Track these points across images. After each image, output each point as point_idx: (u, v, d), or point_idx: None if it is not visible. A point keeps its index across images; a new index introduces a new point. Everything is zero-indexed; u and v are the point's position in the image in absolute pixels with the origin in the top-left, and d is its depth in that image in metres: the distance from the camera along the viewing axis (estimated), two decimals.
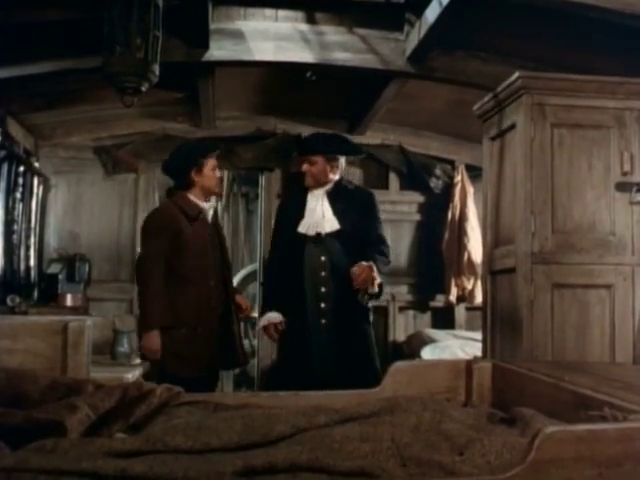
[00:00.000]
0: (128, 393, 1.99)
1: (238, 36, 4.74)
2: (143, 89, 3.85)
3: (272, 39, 4.77)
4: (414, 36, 4.61)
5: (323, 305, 3.78)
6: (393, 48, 4.86)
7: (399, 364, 2.18)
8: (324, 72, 5.19)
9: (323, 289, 3.79)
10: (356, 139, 6.65)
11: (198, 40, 4.58)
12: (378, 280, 3.67)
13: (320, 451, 1.57)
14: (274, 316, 3.84)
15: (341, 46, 4.83)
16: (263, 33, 4.77)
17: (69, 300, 6.05)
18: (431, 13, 4.16)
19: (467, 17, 4.03)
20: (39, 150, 6.47)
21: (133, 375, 3.59)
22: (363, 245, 3.81)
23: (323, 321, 3.76)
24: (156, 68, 3.82)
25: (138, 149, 6.66)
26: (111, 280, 6.74)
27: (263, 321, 3.89)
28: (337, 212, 3.86)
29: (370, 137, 6.81)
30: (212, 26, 4.58)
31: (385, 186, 7.00)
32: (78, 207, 6.71)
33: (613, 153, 3.64)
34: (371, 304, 3.85)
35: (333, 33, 4.83)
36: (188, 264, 3.80)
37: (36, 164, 6.32)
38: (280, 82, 5.72)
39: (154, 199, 6.73)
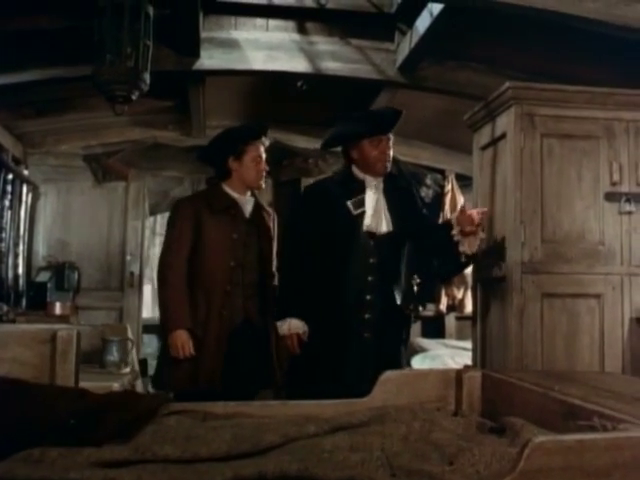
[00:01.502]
0: (115, 401, 1.98)
1: (229, 45, 4.75)
2: (133, 98, 3.84)
3: (263, 48, 4.78)
4: (405, 46, 4.63)
5: (367, 316, 3.26)
6: (384, 58, 4.88)
7: (389, 373, 2.18)
8: (315, 82, 5.20)
9: (369, 297, 3.27)
10: None
11: (189, 49, 4.58)
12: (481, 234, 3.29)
13: (310, 461, 1.57)
14: (297, 325, 3.30)
15: (332, 56, 4.84)
16: (254, 42, 4.78)
17: (58, 308, 6.02)
18: (422, 23, 4.18)
19: (458, 27, 4.05)
20: (28, 158, 6.46)
21: (122, 384, 3.57)
22: (418, 241, 3.41)
23: (366, 334, 3.25)
24: (146, 77, 3.82)
25: (128, 157, 6.66)
26: (101, 288, 6.73)
27: (283, 328, 3.32)
28: (391, 209, 3.39)
29: None
30: (203, 35, 4.59)
31: None
32: (68, 215, 6.70)
33: (602, 163, 3.65)
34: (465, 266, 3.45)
35: (324, 43, 4.85)
36: (202, 262, 3.39)
37: (25, 172, 6.31)
38: (271, 91, 5.72)
39: (144, 207, 6.73)
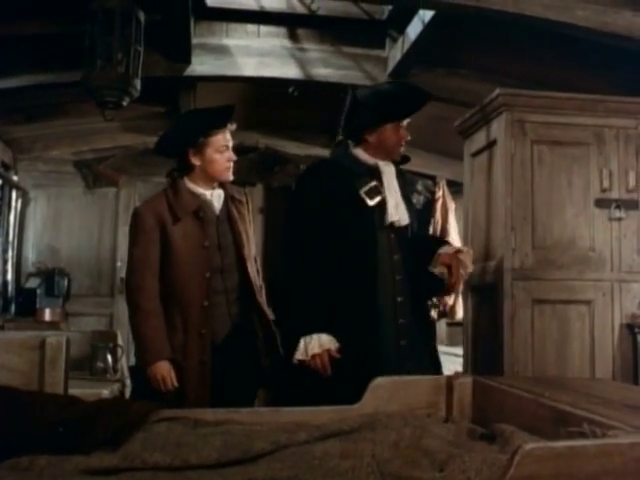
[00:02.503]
0: (105, 408, 1.97)
1: (220, 51, 4.75)
2: (124, 103, 3.84)
3: (254, 55, 4.79)
4: (396, 53, 4.64)
5: (402, 321, 2.80)
6: (375, 64, 4.89)
7: (380, 380, 2.17)
8: (306, 88, 5.21)
9: (399, 298, 2.81)
10: None
11: (180, 55, 4.59)
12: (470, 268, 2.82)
13: (300, 468, 1.56)
14: (328, 340, 2.70)
15: (323, 62, 4.86)
16: (245, 49, 4.79)
17: (47, 315, 6.00)
18: (413, 30, 4.20)
19: (448, 34, 4.07)
20: (18, 163, 6.44)
21: (112, 391, 3.56)
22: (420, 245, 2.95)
23: (403, 342, 2.78)
24: (137, 83, 3.82)
25: (119, 163, 6.65)
26: (91, 295, 6.71)
27: (313, 347, 2.69)
28: (405, 199, 2.96)
29: None
30: (194, 41, 4.59)
31: None
32: (58, 221, 6.68)
33: (592, 170, 3.66)
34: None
35: (315, 49, 4.86)
36: (173, 278, 2.95)
37: (14, 177, 6.28)
38: (262, 97, 5.72)
39: None
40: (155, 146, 3.13)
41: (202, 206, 3.00)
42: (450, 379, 2.19)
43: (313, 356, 2.68)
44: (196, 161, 2.98)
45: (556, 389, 1.93)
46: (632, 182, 3.66)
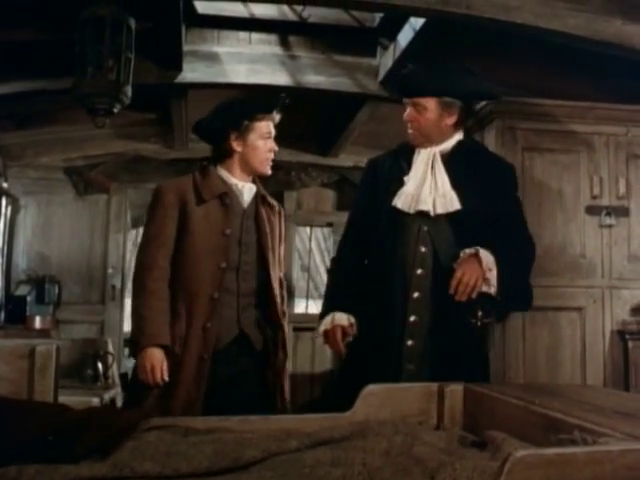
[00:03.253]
0: (95, 416, 1.95)
1: (211, 58, 4.75)
2: (115, 111, 3.83)
3: (246, 62, 4.78)
4: (387, 60, 4.65)
5: (413, 318, 2.58)
6: (366, 72, 4.90)
7: (371, 387, 2.17)
8: (297, 95, 5.21)
9: (416, 294, 2.60)
10: (329, 161, 6.68)
11: (171, 62, 4.58)
12: (492, 283, 2.45)
13: (291, 476, 1.56)
14: (341, 317, 2.67)
15: (314, 69, 4.86)
16: (237, 56, 4.79)
17: (38, 322, 5.96)
18: (404, 37, 4.21)
19: (439, 42, 4.08)
20: (8, 170, 6.41)
21: (102, 399, 3.54)
22: (487, 237, 2.54)
23: (410, 342, 2.57)
24: (128, 90, 3.81)
25: (110, 170, 6.64)
26: (82, 302, 6.69)
27: (325, 323, 2.69)
28: (457, 183, 2.63)
29: (343, 159, 6.83)
30: (185, 48, 4.59)
31: None
32: (48, 228, 6.66)
33: (583, 177, 3.68)
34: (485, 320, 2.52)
35: (306, 57, 4.86)
36: (185, 263, 2.72)
37: (4, 184, 6.26)
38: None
39: (126, 220, 6.70)
40: (194, 127, 2.93)
41: (229, 193, 2.79)
42: (441, 386, 2.18)
43: (325, 332, 2.68)
44: (237, 147, 2.80)
45: (547, 396, 1.93)
46: (622, 189, 3.69)
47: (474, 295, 2.43)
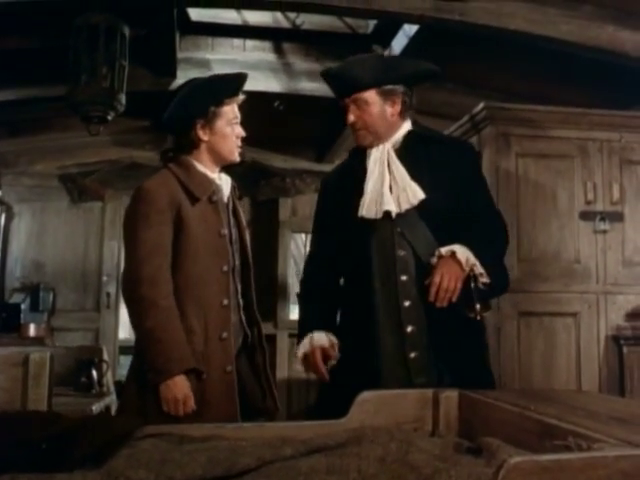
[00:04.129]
0: (89, 424, 1.95)
1: (206, 65, 4.76)
2: (109, 118, 3.84)
3: (240, 68, 4.76)
4: None
5: (410, 328, 2.39)
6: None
7: (366, 394, 2.16)
8: (292, 101, 5.22)
9: (407, 303, 2.40)
10: (324, 167, 6.69)
11: (165, 69, 4.59)
12: (481, 275, 2.29)
13: None
14: (320, 338, 2.45)
15: (308, 76, 4.87)
16: (231, 63, 4.79)
17: (32, 330, 5.95)
18: (397, 44, 4.23)
19: (433, 48, 4.08)
20: (2, 178, 6.41)
21: (97, 407, 3.53)
22: (459, 227, 2.38)
23: (412, 355, 2.39)
24: (122, 97, 3.81)
25: (105, 177, 6.64)
26: (77, 309, 6.68)
27: (304, 345, 2.48)
28: (417, 175, 2.43)
29: None
30: (180, 55, 4.60)
31: None
32: (42, 236, 6.65)
33: (577, 182, 3.69)
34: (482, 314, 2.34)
35: (300, 63, 4.88)
36: (188, 270, 2.48)
37: None
38: (248, 111, 5.72)
39: (121, 228, 6.68)
40: (164, 119, 2.62)
41: (215, 190, 2.58)
42: (436, 393, 2.18)
43: (304, 356, 2.47)
44: (204, 135, 2.55)
45: (542, 402, 1.93)
46: (616, 194, 3.69)
47: (454, 299, 2.26)
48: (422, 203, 2.40)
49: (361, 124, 2.49)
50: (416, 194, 2.40)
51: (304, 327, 2.55)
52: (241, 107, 2.72)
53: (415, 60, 2.67)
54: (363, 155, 2.54)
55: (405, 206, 2.41)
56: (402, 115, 2.53)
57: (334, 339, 2.47)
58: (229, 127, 2.60)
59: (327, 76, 2.67)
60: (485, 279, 2.30)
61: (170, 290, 2.42)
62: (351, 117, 2.49)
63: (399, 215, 2.42)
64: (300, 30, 4.58)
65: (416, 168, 2.45)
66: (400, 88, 2.50)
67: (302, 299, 2.74)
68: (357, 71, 2.50)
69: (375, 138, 2.50)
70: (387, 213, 2.42)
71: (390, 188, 2.43)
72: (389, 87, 2.48)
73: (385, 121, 2.49)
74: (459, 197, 2.43)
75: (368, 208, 2.44)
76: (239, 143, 2.66)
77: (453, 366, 2.38)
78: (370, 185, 2.46)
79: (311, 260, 2.71)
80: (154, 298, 2.38)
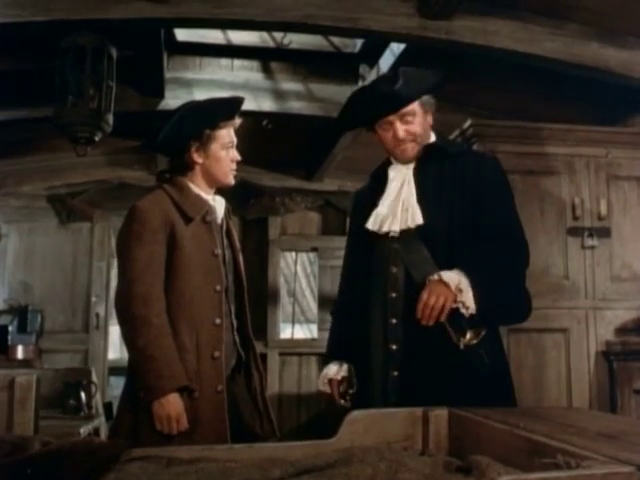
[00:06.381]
0: (76, 448, 1.92)
1: (193, 85, 4.77)
2: (96, 139, 3.83)
3: (228, 88, 4.80)
4: None
5: (395, 347, 2.39)
6: (348, 97, 4.92)
7: (355, 413, 2.15)
8: (280, 121, 5.23)
9: (394, 320, 2.40)
10: (313, 186, 6.71)
11: (153, 89, 4.60)
12: (467, 305, 2.21)
13: None
14: (333, 369, 2.54)
15: (296, 95, 4.89)
16: (219, 82, 4.81)
17: (20, 352, 5.91)
18: (385, 62, 4.25)
19: (420, 66, 4.10)
20: None
21: (85, 429, 3.50)
22: (465, 247, 2.35)
23: (395, 373, 2.39)
24: (110, 118, 3.81)
25: (93, 198, 6.63)
26: (65, 331, 6.64)
27: (321, 379, 2.58)
28: (425, 196, 2.44)
29: (327, 184, 6.85)
30: (167, 75, 4.61)
31: (343, 232, 7.01)
32: (30, 257, 6.63)
33: (564, 198, 3.70)
34: (472, 341, 2.27)
35: (288, 82, 4.90)
36: (181, 290, 2.48)
37: None
38: (236, 130, 5.73)
39: (110, 248, 6.66)
40: (157, 141, 2.64)
41: (208, 210, 2.60)
42: (426, 411, 2.17)
43: (322, 393, 2.56)
44: (198, 158, 2.57)
45: (531, 419, 1.92)
46: (603, 210, 3.71)
47: (442, 318, 2.22)
48: (423, 224, 2.40)
49: (412, 137, 2.48)
50: (415, 218, 2.41)
51: (327, 352, 2.64)
52: (237, 131, 2.72)
53: (424, 70, 2.68)
54: (385, 172, 2.58)
55: (402, 226, 2.43)
56: (431, 126, 2.57)
57: (346, 367, 2.52)
58: (224, 150, 2.62)
59: (367, 97, 2.61)
60: (470, 309, 2.23)
61: (163, 308, 2.42)
62: (401, 132, 2.46)
63: (402, 233, 2.44)
64: (287, 49, 4.60)
65: (425, 188, 2.46)
66: (431, 99, 2.55)
67: (332, 316, 2.78)
68: (399, 86, 2.47)
69: (419, 149, 2.51)
70: (389, 230, 2.46)
71: (401, 206, 2.46)
72: (426, 98, 2.52)
73: (427, 131, 2.53)
74: (472, 213, 2.41)
75: (374, 222, 2.49)
76: (234, 167, 2.68)
77: (432, 389, 2.30)
78: (386, 201, 2.50)
79: (341, 277, 2.74)
80: (146, 316, 2.39)
